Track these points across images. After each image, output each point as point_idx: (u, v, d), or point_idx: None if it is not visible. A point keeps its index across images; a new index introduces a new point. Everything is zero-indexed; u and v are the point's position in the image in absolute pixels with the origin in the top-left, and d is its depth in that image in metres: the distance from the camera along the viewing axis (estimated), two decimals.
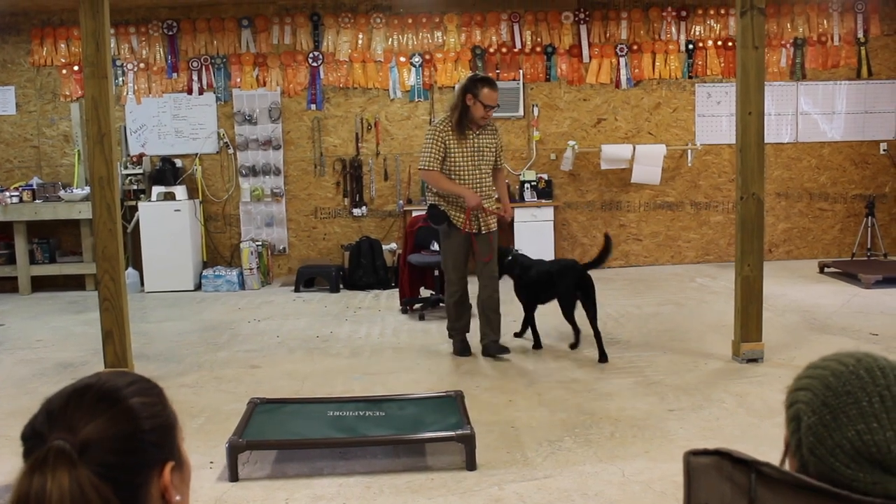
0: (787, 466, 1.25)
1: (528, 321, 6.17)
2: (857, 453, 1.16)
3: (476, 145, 5.74)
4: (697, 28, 9.68)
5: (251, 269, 9.05)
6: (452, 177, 5.72)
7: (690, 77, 9.69)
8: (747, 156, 5.40)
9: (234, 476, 3.78)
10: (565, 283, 5.70)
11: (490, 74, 5.89)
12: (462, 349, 5.93)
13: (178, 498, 1.19)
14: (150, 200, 9.05)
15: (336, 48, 9.45)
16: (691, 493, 1.26)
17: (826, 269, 8.86)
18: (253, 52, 9.43)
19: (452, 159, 5.70)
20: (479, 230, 5.78)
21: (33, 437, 1.12)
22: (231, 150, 9.50)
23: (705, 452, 1.27)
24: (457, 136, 5.68)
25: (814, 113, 9.82)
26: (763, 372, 5.22)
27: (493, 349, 5.79)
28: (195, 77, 9.42)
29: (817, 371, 1.24)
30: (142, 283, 9.06)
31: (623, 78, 9.60)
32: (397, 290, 8.15)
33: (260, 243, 9.23)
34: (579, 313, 5.77)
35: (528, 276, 5.99)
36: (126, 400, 1.16)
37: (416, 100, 9.53)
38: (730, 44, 9.54)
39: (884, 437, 1.14)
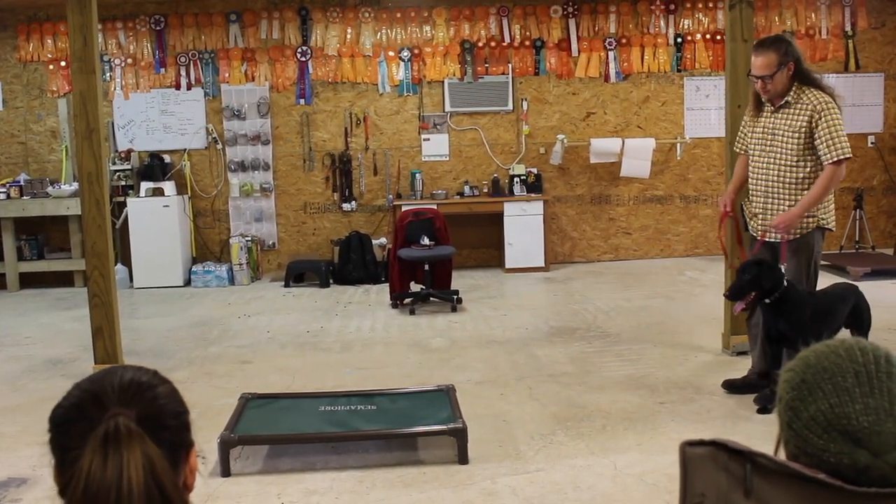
0: (781, 455, 1.26)
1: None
2: (829, 425, 1.19)
3: (768, 126, 4.55)
4: (686, 21, 9.69)
5: (241, 264, 9.03)
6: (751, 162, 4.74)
7: (679, 70, 9.71)
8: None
9: (226, 471, 3.77)
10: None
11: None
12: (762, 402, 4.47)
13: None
14: (138, 196, 9.01)
15: (325, 43, 9.42)
16: (687, 484, 1.27)
17: None
18: (241, 47, 9.39)
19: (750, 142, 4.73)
20: (756, 233, 4.70)
21: (80, 418, 1.11)
22: (220, 146, 9.46)
23: (701, 443, 1.28)
24: (753, 113, 4.67)
25: None
26: None
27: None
28: (183, 72, 9.38)
29: (804, 354, 1.28)
30: (131, 279, 9.02)
31: (612, 72, 9.61)
32: (387, 284, 8.15)
33: (249, 238, 9.20)
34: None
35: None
36: (156, 386, 1.18)
37: (405, 94, 9.52)
38: (718, 37, 9.56)
39: (853, 410, 1.18)
